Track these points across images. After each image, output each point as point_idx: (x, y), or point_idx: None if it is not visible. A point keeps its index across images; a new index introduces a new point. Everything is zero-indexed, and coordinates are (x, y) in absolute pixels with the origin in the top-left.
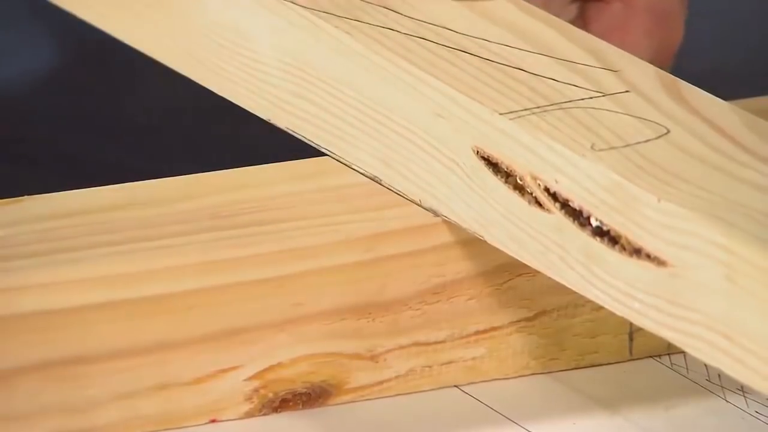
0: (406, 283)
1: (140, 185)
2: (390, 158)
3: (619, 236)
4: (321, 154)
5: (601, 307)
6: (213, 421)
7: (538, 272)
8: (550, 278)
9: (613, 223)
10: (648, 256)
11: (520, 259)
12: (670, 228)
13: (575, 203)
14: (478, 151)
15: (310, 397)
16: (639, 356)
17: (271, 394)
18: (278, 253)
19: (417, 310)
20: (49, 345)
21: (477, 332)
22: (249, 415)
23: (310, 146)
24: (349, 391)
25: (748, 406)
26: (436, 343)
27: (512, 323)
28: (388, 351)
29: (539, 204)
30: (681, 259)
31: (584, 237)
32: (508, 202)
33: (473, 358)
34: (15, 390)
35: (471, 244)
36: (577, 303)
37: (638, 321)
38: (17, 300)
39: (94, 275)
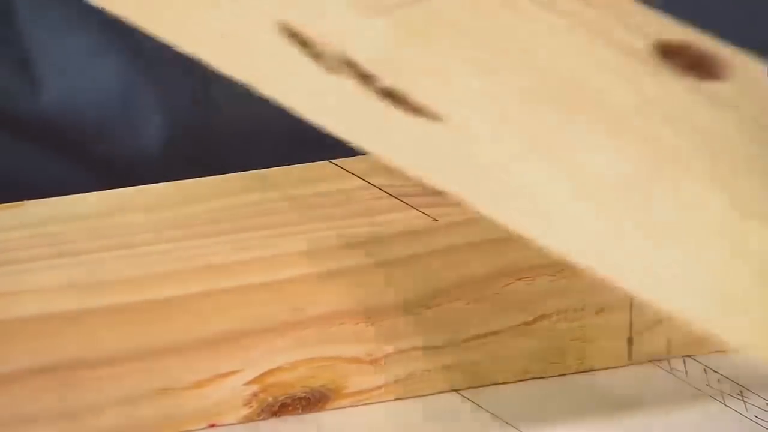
0: (405, 288)
1: (140, 189)
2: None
3: (404, 96)
4: (322, 158)
5: (600, 311)
6: (212, 425)
7: (537, 276)
8: (549, 282)
9: (397, 84)
10: (428, 114)
11: (321, 124)
12: (446, 85)
13: (363, 66)
14: (279, 22)
15: (309, 401)
16: (638, 361)
17: (270, 399)
18: (277, 258)
19: (416, 314)
20: (48, 349)
21: (476, 336)
22: (248, 419)
23: (311, 151)
24: (348, 396)
25: (747, 411)
26: (435, 347)
27: (512, 327)
28: (388, 355)
29: (330, 69)
30: (459, 114)
31: (374, 99)
32: (305, 68)
33: (472, 363)
34: (14, 395)
35: (471, 248)
36: (576, 307)
37: (435, 182)
38: (16, 304)
39: (93, 280)
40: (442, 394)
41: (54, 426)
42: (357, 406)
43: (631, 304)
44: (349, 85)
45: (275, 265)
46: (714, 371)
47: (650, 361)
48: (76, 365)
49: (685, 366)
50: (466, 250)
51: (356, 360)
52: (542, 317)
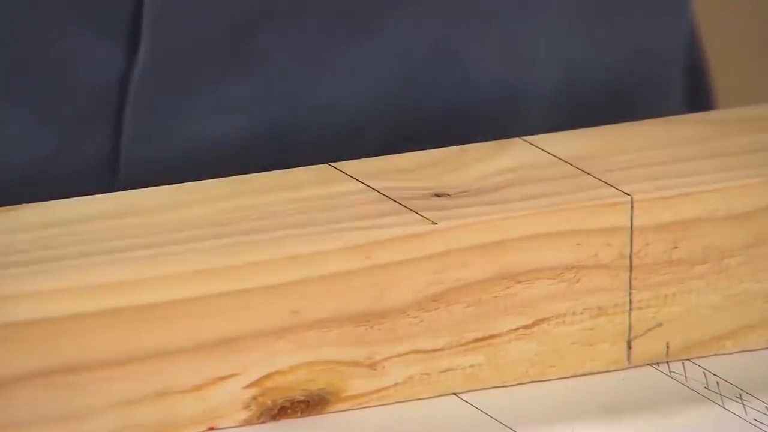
0: (404, 291)
1: (137, 193)
2: None
3: None
4: (318, 162)
5: (599, 315)
6: (211, 428)
7: (536, 279)
8: (548, 286)
9: None
10: None
11: None
12: None
13: None
14: None
15: (309, 405)
16: (637, 364)
17: (269, 402)
18: (277, 261)
19: (415, 317)
20: (46, 353)
21: (475, 340)
22: (247, 422)
23: (309, 155)
24: (347, 399)
25: (746, 414)
26: (434, 350)
27: (510, 331)
28: (387, 358)
29: None
30: None
31: None
32: None
33: (471, 366)
34: (12, 398)
35: (469, 251)
36: (575, 311)
37: None
38: (14, 308)
39: (92, 283)
40: (441, 398)
41: (51, 430)
42: (356, 410)
43: (630, 308)
44: None
45: (274, 268)
46: (713, 374)
47: (649, 364)
48: (73, 369)
49: (684, 369)
50: (464, 254)
51: (355, 363)
52: (541, 321)
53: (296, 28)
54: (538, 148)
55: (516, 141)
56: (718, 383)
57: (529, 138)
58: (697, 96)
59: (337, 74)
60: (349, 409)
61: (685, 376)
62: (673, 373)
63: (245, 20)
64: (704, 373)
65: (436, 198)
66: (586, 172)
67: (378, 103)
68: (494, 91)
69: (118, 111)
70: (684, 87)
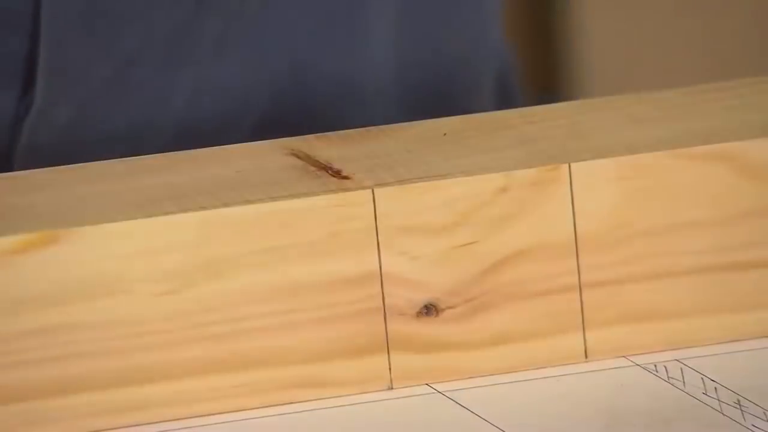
0: None
1: None
2: None
3: None
4: None
5: None
6: None
7: None
8: None
9: None
10: None
11: None
12: None
13: None
14: None
15: None
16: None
17: None
18: None
19: None
20: None
21: None
22: None
23: None
24: None
25: (744, 420)
26: None
27: None
28: None
29: None
30: None
31: None
32: None
33: None
34: None
35: None
36: None
37: None
38: None
39: None
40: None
41: None
42: None
43: None
44: None
45: None
46: (711, 380)
47: (646, 369)
48: None
49: (682, 374)
50: None
51: None
52: None
53: (174, 58)
54: None
55: None
56: (716, 389)
57: None
58: (506, 100)
59: (199, 91)
60: None
61: (684, 382)
62: (671, 379)
63: (128, 56)
64: (702, 378)
65: None
66: None
67: (237, 115)
68: (337, 89)
69: (8, 154)
70: (495, 92)
